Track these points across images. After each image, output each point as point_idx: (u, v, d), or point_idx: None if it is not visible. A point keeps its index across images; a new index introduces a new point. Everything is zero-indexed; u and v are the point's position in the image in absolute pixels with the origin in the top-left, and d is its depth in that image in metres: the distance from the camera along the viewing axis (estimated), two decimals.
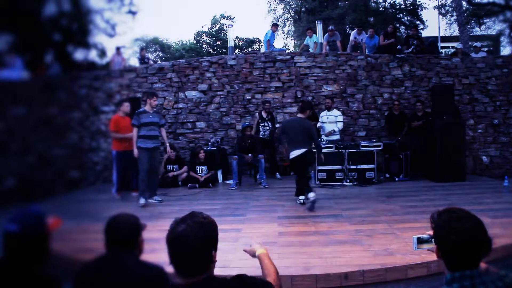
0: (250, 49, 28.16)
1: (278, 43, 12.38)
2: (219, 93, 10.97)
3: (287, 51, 12.00)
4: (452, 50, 14.11)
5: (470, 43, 17.39)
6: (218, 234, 1.82)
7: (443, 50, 19.34)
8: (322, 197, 7.59)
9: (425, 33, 22.78)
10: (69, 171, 8.58)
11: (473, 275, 1.62)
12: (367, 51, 11.61)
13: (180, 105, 11.02)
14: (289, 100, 10.91)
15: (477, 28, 23.86)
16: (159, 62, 16.78)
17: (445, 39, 24.02)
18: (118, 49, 11.59)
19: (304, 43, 12.52)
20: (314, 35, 12.42)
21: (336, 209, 6.67)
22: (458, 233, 1.62)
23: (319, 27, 13.90)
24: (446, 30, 25.35)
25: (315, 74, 10.96)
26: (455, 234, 1.62)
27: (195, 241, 1.70)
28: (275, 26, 12.52)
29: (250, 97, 10.93)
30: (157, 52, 33.00)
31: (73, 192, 8.51)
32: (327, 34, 11.88)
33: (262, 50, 13.13)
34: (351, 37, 12.12)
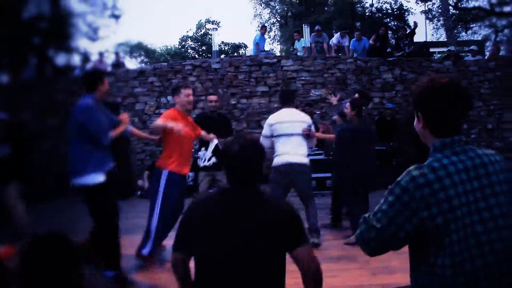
0: (235, 54, 27.76)
1: (265, 48, 12.14)
2: (202, 98, 10.48)
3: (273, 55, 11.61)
4: (439, 55, 13.87)
5: (457, 48, 17.22)
6: None
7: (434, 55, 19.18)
8: None
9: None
10: None
11: (461, 140, 1.59)
12: (355, 54, 11.25)
13: (162, 111, 10.45)
14: (276, 105, 10.46)
15: (463, 33, 23.87)
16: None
17: (432, 44, 23.88)
18: (101, 54, 11.07)
19: (294, 47, 12.19)
20: (302, 39, 12.12)
21: (327, 219, 6.19)
22: (445, 96, 1.56)
23: (307, 31, 13.55)
24: (433, 35, 25.33)
25: (303, 78, 10.55)
26: (442, 96, 1.56)
27: (253, 154, 1.90)
28: (263, 28, 12.44)
29: (235, 102, 10.45)
30: (142, 57, 32.37)
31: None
32: (313, 34, 11.51)
33: (248, 54, 12.77)
34: (334, 41, 11.76)
